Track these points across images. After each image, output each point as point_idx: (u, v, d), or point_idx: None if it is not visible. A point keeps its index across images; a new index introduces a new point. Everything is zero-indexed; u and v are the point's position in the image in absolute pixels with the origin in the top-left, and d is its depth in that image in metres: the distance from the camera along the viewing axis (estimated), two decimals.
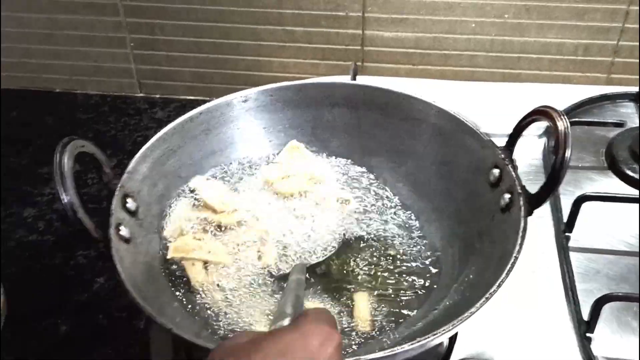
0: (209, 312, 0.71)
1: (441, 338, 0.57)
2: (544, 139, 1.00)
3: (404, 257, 0.77)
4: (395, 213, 0.82)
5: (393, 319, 0.70)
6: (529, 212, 0.66)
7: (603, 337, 0.72)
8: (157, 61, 1.20)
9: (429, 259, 0.76)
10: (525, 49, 1.11)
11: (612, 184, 0.92)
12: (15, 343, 0.78)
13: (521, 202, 0.66)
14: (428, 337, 0.56)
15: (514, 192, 0.68)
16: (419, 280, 0.74)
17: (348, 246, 0.78)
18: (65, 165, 0.62)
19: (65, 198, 0.61)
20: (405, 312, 0.71)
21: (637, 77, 1.10)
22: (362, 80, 0.91)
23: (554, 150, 0.93)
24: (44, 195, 1.01)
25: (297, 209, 0.80)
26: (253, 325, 0.69)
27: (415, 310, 0.71)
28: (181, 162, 0.80)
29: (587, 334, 0.72)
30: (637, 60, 1.09)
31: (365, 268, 0.76)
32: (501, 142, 0.73)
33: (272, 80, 0.89)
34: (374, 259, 0.77)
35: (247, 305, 0.71)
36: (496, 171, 0.72)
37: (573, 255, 0.81)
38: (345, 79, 0.92)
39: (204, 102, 0.83)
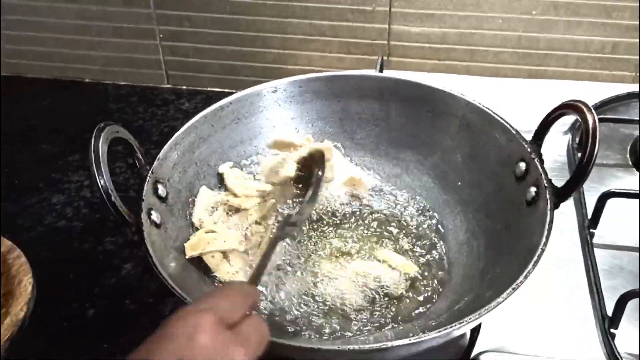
0: None
1: (467, 327, 0.58)
2: (568, 136, 1.00)
3: (423, 249, 0.78)
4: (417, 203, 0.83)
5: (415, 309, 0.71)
6: (555, 206, 0.66)
7: (626, 333, 0.72)
8: (184, 53, 1.22)
9: (454, 251, 0.77)
10: (552, 46, 1.11)
11: (637, 182, 0.92)
12: (44, 326, 0.80)
13: (547, 196, 0.67)
14: (454, 326, 0.56)
15: (540, 186, 0.68)
16: (440, 272, 0.76)
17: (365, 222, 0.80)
18: (101, 149, 0.63)
19: (100, 182, 0.62)
20: (428, 304, 0.72)
21: None
22: (388, 74, 0.92)
23: (579, 146, 0.93)
24: (72, 182, 1.02)
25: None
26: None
27: (440, 301, 0.72)
28: (211, 150, 0.81)
29: (611, 330, 0.72)
30: None
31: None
32: (527, 138, 0.74)
33: (298, 73, 0.90)
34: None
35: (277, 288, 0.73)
36: (523, 165, 0.73)
37: (597, 252, 0.81)
38: (373, 72, 0.92)
39: (230, 94, 0.84)
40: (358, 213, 0.83)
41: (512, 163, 0.74)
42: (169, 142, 0.76)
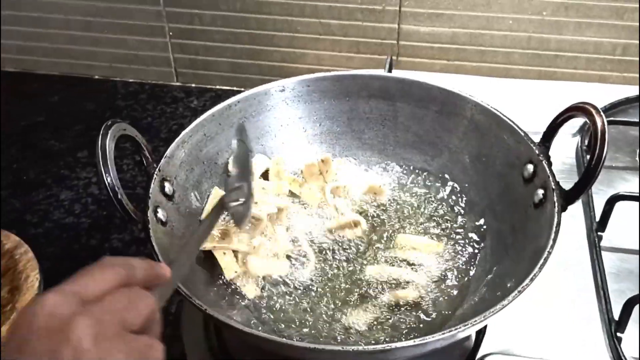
0: (247, 300, 0.72)
1: (472, 329, 0.58)
2: (577, 138, 0.99)
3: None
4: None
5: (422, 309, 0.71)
6: (563, 208, 0.66)
7: (633, 337, 0.72)
8: (194, 51, 1.22)
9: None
10: (562, 47, 1.10)
11: None
12: None
13: (555, 198, 0.66)
14: (459, 328, 0.56)
15: (548, 188, 0.68)
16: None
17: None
18: (108, 146, 0.63)
19: (107, 179, 0.62)
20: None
21: None
22: (397, 74, 0.92)
23: (588, 148, 0.93)
24: (81, 179, 1.03)
25: None
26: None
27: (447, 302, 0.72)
28: (218, 148, 0.81)
29: (618, 334, 0.72)
30: None
31: None
32: (535, 139, 0.73)
33: (307, 72, 0.90)
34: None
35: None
36: (530, 167, 0.72)
37: (605, 255, 0.81)
38: (381, 72, 0.92)
39: (239, 92, 0.84)
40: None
41: (520, 165, 0.74)
42: (176, 140, 0.76)
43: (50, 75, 1.29)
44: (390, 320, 0.70)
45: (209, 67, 1.23)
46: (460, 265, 0.75)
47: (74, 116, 1.17)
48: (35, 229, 0.93)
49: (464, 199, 0.82)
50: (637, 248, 0.82)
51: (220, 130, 0.81)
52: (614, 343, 0.71)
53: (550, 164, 0.70)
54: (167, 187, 0.72)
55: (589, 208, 0.87)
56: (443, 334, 0.56)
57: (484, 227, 0.78)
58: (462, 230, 0.79)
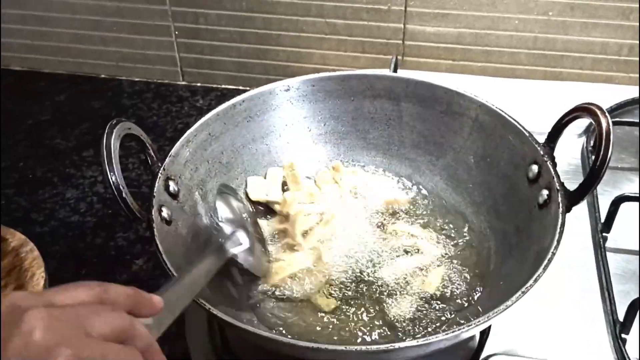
0: (251, 300, 0.73)
1: (475, 330, 0.57)
2: (582, 139, 0.99)
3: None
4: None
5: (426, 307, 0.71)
6: (568, 209, 0.66)
7: (638, 338, 0.72)
8: (200, 50, 1.22)
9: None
10: (568, 47, 1.10)
11: None
12: None
13: (559, 199, 0.66)
14: (462, 328, 0.56)
15: (553, 189, 0.68)
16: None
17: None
18: (113, 145, 0.63)
19: (111, 178, 0.62)
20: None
21: None
22: (402, 74, 0.91)
23: (593, 149, 0.93)
24: (86, 178, 1.03)
25: None
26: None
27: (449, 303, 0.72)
28: (223, 147, 0.81)
29: (622, 335, 0.72)
30: None
31: None
32: (540, 140, 0.73)
33: (312, 71, 0.90)
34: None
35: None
36: (535, 167, 0.72)
37: (610, 256, 0.80)
38: (386, 72, 0.92)
39: (244, 91, 0.84)
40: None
41: (524, 165, 0.74)
42: (180, 139, 0.76)
43: (56, 74, 1.29)
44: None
45: (214, 67, 1.24)
46: (463, 267, 0.75)
47: (80, 115, 1.17)
48: (41, 227, 0.94)
49: (468, 199, 0.82)
50: None
51: (225, 130, 0.81)
52: (619, 344, 0.71)
53: (555, 165, 0.70)
54: (172, 186, 0.72)
55: (593, 209, 0.86)
56: (447, 334, 0.56)
57: (488, 227, 0.78)
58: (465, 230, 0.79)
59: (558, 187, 0.67)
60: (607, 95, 1.03)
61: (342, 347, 0.56)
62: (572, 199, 0.66)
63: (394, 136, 0.88)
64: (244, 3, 1.15)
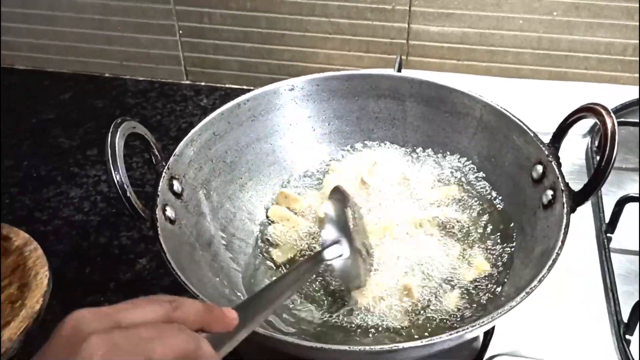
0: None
1: (479, 330, 0.57)
2: (587, 139, 0.99)
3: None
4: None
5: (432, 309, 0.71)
6: (572, 210, 0.66)
7: None
8: (204, 49, 1.22)
9: None
10: (573, 47, 1.10)
11: None
12: (59, 319, 0.80)
13: (564, 199, 0.66)
14: (466, 328, 0.56)
15: (557, 189, 0.68)
16: None
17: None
18: (117, 144, 0.63)
19: (116, 177, 0.62)
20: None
21: None
22: (407, 73, 0.91)
23: (598, 149, 0.92)
24: (90, 176, 1.03)
25: None
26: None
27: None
28: (227, 147, 0.81)
29: (626, 336, 0.72)
30: None
31: None
32: (545, 140, 0.73)
33: (316, 71, 0.90)
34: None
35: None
36: (540, 167, 0.72)
37: (614, 256, 0.80)
38: (391, 71, 0.92)
39: (248, 91, 0.84)
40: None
41: (529, 165, 0.74)
42: (185, 139, 0.76)
43: (61, 72, 1.29)
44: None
45: (218, 66, 1.24)
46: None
47: (84, 114, 1.17)
48: (45, 226, 0.94)
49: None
50: None
51: (229, 129, 0.81)
52: (623, 345, 0.70)
53: (559, 165, 0.70)
54: (176, 186, 0.72)
55: (598, 209, 0.86)
56: (450, 334, 0.56)
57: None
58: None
59: (563, 188, 0.67)
60: (612, 95, 1.03)
61: (346, 347, 0.56)
62: (577, 199, 0.66)
63: (398, 136, 0.88)
64: (248, 3, 1.15)
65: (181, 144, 0.75)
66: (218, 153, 0.81)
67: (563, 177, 0.68)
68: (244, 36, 1.19)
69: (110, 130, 0.64)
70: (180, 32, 1.20)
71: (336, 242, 0.68)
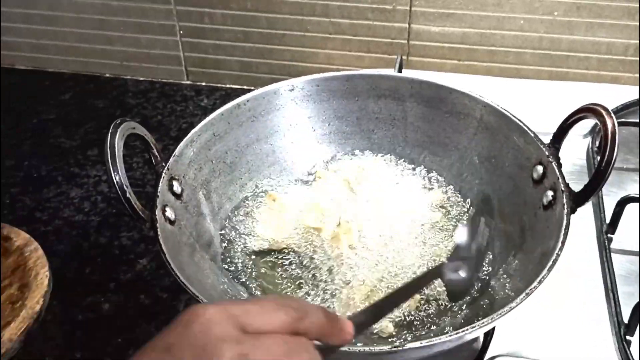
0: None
1: (479, 331, 0.57)
2: (588, 139, 0.98)
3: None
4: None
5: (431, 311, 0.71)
6: (573, 210, 0.66)
7: None
8: (204, 49, 1.22)
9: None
10: (574, 47, 1.09)
11: None
12: (60, 319, 0.80)
13: (564, 200, 0.66)
14: (466, 330, 0.56)
15: (557, 190, 0.68)
16: None
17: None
18: (116, 145, 0.63)
19: (115, 178, 0.62)
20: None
21: None
22: (407, 73, 0.91)
23: (598, 149, 0.92)
24: (90, 177, 1.03)
25: None
26: None
27: (454, 304, 0.71)
28: (227, 147, 0.81)
29: (627, 337, 0.71)
30: None
31: None
32: (546, 140, 0.73)
33: (317, 71, 0.90)
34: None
35: None
36: (540, 168, 0.72)
37: (615, 257, 0.80)
38: (391, 71, 0.92)
39: (249, 91, 0.84)
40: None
41: (529, 166, 0.73)
42: (184, 139, 0.76)
43: (61, 73, 1.29)
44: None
45: (219, 66, 1.24)
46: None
47: (85, 114, 1.18)
48: (45, 226, 0.94)
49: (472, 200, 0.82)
50: None
51: (229, 129, 0.81)
52: (623, 346, 0.70)
53: (560, 166, 0.70)
54: (176, 186, 0.72)
55: (599, 210, 0.86)
56: (450, 335, 0.56)
57: (492, 228, 0.77)
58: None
59: (563, 188, 0.67)
60: (612, 95, 1.03)
61: (345, 348, 0.56)
62: (577, 200, 0.66)
63: (399, 136, 0.88)
64: (249, 3, 1.14)
65: (181, 144, 0.75)
66: (218, 153, 0.81)
67: (563, 178, 0.68)
68: (244, 36, 1.19)
69: (110, 131, 0.64)
70: (181, 32, 1.20)
71: (465, 259, 0.64)
